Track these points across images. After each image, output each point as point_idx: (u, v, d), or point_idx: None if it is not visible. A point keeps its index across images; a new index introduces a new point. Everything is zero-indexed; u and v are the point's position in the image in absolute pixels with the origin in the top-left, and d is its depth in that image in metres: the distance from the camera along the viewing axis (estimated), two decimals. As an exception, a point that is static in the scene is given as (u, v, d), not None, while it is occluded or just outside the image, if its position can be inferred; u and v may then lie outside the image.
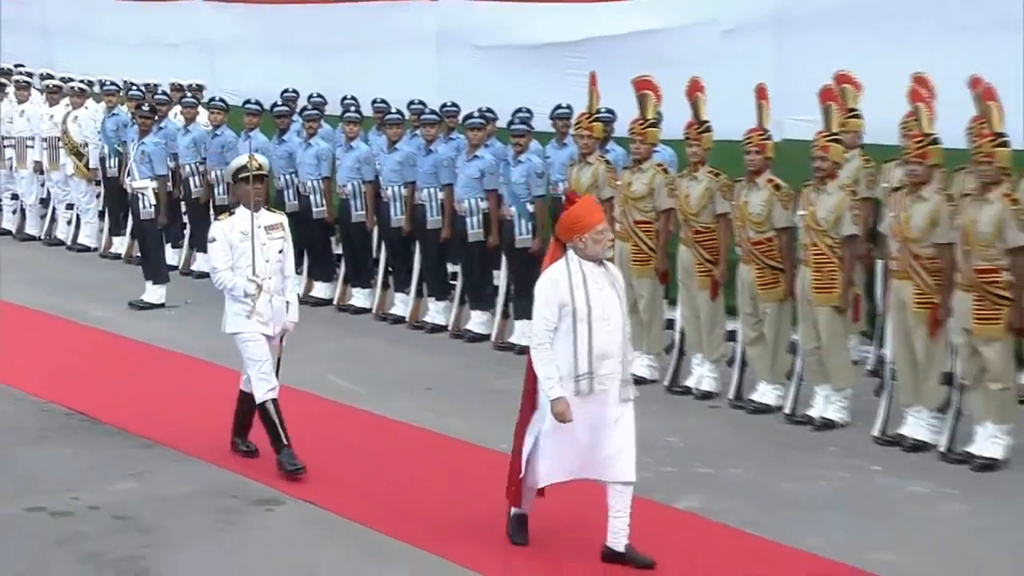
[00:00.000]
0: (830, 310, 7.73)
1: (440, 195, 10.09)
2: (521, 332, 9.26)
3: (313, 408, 8.40)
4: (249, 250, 7.29)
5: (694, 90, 8.38)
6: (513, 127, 9.90)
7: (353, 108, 11.46)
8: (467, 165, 9.88)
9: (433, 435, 8.13)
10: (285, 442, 7.24)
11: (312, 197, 11.27)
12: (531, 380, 6.07)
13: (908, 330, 7.22)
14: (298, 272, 10.71)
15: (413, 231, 10.34)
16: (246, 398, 7.48)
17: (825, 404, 7.75)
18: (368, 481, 7.36)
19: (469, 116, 10.48)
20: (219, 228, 7.46)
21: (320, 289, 11.46)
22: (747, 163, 7.94)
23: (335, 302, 11.27)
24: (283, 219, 7.70)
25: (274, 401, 7.33)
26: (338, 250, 11.52)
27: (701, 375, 8.44)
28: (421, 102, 11.15)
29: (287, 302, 7.52)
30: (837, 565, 6.07)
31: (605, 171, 9.01)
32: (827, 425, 7.68)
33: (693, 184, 8.26)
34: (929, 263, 7.03)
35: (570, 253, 5.87)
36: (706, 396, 8.37)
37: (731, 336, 8.49)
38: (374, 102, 11.47)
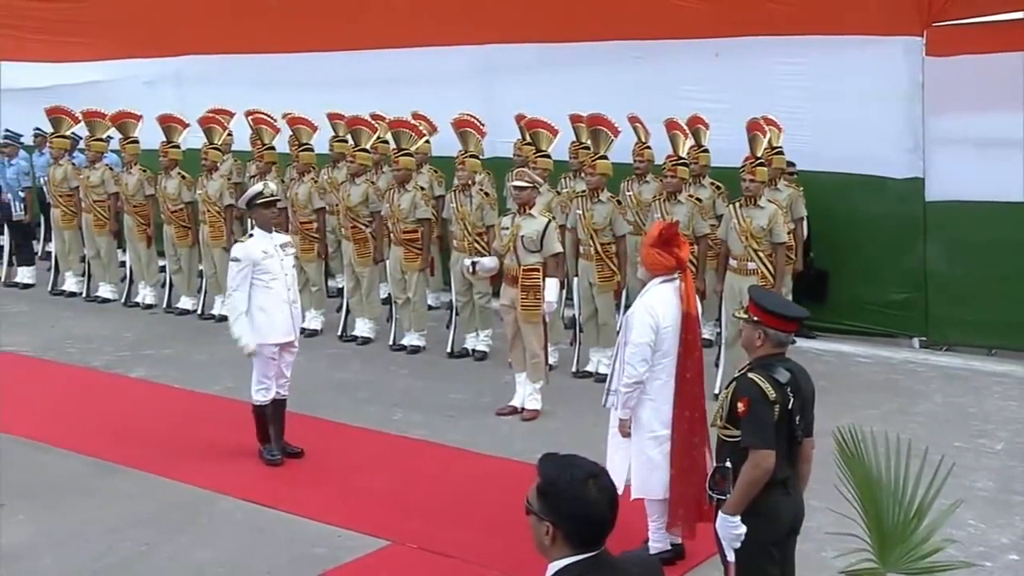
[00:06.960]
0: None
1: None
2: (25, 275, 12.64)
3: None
4: (275, 266, 7.00)
5: (120, 117, 11.41)
6: (3, 142, 13.38)
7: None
8: None
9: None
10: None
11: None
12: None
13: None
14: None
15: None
16: (260, 410, 7.24)
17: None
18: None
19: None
20: (242, 249, 7.04)
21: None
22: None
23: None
24: (289, 238, 7.56)
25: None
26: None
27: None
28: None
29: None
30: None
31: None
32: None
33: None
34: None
35: None
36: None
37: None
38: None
